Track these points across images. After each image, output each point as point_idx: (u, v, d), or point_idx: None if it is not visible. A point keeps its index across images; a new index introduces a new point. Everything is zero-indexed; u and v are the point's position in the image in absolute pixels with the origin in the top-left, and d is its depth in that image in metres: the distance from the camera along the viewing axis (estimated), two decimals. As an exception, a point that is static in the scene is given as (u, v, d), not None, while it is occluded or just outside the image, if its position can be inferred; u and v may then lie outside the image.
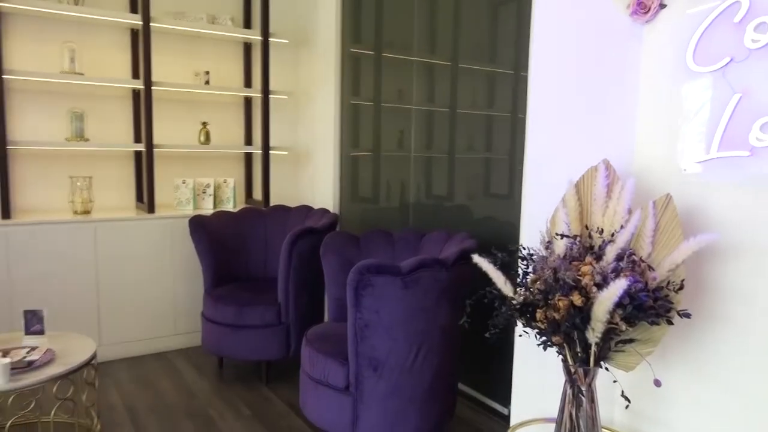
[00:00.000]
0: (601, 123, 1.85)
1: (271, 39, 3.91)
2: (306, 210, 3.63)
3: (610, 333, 1.39)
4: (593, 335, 1.36)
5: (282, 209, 3.69)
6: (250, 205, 4.03)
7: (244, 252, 3.53)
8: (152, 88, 3.50)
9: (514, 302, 1.41)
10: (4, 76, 3.11)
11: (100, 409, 2.79)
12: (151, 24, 3.46)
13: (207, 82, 3.83)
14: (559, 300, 1.31)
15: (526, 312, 1.38)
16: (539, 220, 2.02)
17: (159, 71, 3.74)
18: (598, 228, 1.48)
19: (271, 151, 3.99)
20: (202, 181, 3.87)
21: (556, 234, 1.48)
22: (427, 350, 2.28)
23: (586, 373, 1.49)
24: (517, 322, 1.45)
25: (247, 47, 4.08)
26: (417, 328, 2.24)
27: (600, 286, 1.30)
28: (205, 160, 4.02)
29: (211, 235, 3.34)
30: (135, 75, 3.67)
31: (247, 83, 4.10)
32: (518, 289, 1.43)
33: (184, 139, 3.89)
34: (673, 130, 1.64)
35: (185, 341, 3.63)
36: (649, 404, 1.77)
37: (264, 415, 2.80)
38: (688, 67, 1.58)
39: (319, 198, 4.09)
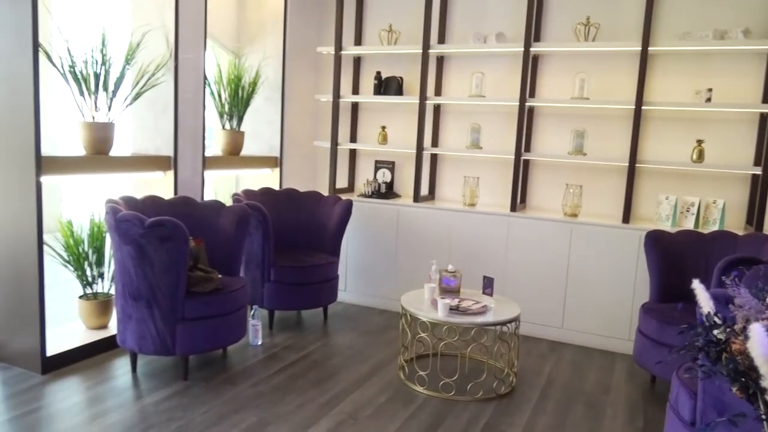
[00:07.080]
0: None
1: (792, 46, 3.43)
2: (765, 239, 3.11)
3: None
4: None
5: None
6: (748, 231, 3.68)
7: (701, 275, 3.35)
8: (642, 108, 3.77)
9: (704, 337, 1.20)
10: (528, 104, 4.09)
11: (529, 372, 3.42)
12: (649, 48, 3.71)
13: (708, 100, 3.73)
14: (734, 342, 1.09)
15: (712, 350, 1.17)
16: None
17: (659, 91, 3.94)
18: None
19: (772, 173, 3.53)
20: (687, 199, 3.83)
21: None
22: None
23: None
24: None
25: (772, 59, 3.70)
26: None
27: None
28: (695, 179, 3.93)
29: (666, 251, 3.37)
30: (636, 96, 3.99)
31: (766, 99, 3.72)
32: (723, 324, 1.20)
33: (676, 157, 3.93)
34: None
35: (637, 349, 3.77)
36: None
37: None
38: None
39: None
